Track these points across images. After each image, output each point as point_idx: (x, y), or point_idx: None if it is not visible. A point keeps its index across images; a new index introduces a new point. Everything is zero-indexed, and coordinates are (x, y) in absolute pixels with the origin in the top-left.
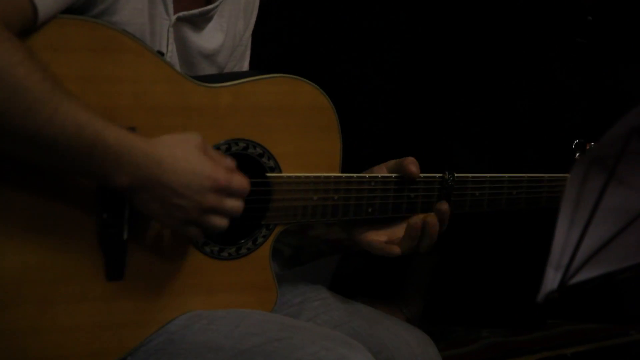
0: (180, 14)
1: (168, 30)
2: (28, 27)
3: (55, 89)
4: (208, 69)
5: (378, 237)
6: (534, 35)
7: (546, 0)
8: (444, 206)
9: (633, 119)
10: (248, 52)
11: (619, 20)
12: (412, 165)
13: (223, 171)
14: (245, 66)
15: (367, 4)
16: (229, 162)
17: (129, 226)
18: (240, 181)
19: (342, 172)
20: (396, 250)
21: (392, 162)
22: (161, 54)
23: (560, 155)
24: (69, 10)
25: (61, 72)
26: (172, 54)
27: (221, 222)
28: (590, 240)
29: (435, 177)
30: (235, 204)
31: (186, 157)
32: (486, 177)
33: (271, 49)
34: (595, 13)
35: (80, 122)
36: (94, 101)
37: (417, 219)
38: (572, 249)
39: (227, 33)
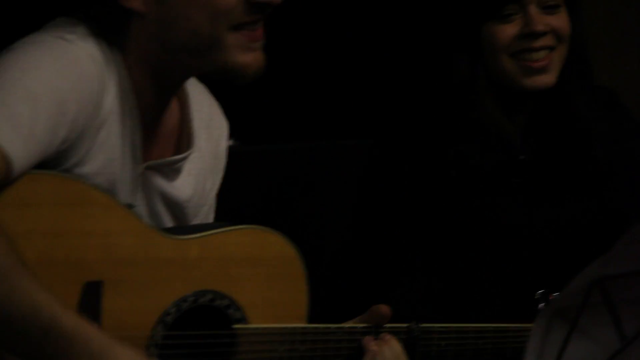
0: (149, 162)
1: (136, 179)
2: (1, 183)
3: (16, 265)
4: (171, 222)
5: None
6: (476, 181)
7: (478, 145)
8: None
9: (593, 271)
10: (212, 212)
11: (549, 159)
12: (383, 307)
13: None
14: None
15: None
16: None
17: None
18: None
19: (310, 322)
20: None
21: (364, 315)
22: (131, 206)
23: (523, 305)
24: (42, 164)
25: (30, 228)
26: (139, 203)
27: None
28: None
29: (401, 327)
30: None
31: None
32: (452, 327)
33: (238, 200)
34: (526, 152)
35: (37, 303)
36: (62, 255)
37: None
38: None
39: (196, 189)
